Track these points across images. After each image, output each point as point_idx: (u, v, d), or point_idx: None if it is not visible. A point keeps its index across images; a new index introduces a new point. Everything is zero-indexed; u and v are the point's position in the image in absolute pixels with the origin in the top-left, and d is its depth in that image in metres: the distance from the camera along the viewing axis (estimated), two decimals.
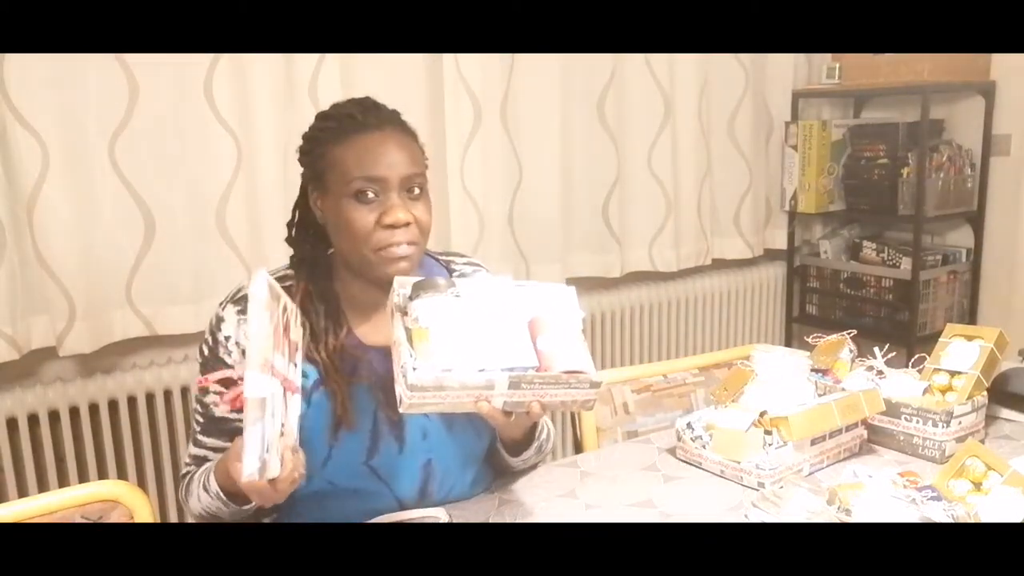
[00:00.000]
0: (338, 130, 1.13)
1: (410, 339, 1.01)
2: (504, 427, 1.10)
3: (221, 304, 1.18)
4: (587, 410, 1.04)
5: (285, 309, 0.99)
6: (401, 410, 0.98)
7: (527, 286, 1.10)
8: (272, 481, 0.91)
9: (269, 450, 0.87)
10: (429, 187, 1.19)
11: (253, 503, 1.07)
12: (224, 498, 1.08)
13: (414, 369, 0.96)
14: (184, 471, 1.21)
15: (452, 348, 0.99)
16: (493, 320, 1.04)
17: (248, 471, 0.86)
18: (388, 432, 1.17)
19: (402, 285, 1.07)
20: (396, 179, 1.11)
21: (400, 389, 0.97)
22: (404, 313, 1.05)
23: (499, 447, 1.24)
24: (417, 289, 1.06)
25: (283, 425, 0.93)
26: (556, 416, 2.71)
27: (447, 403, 0.98)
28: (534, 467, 1.31)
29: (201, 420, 1.19)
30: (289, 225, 1.24)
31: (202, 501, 1.12)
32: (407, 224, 1.12)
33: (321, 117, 1.18)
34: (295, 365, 1.01)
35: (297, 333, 1.04)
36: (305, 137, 1.18)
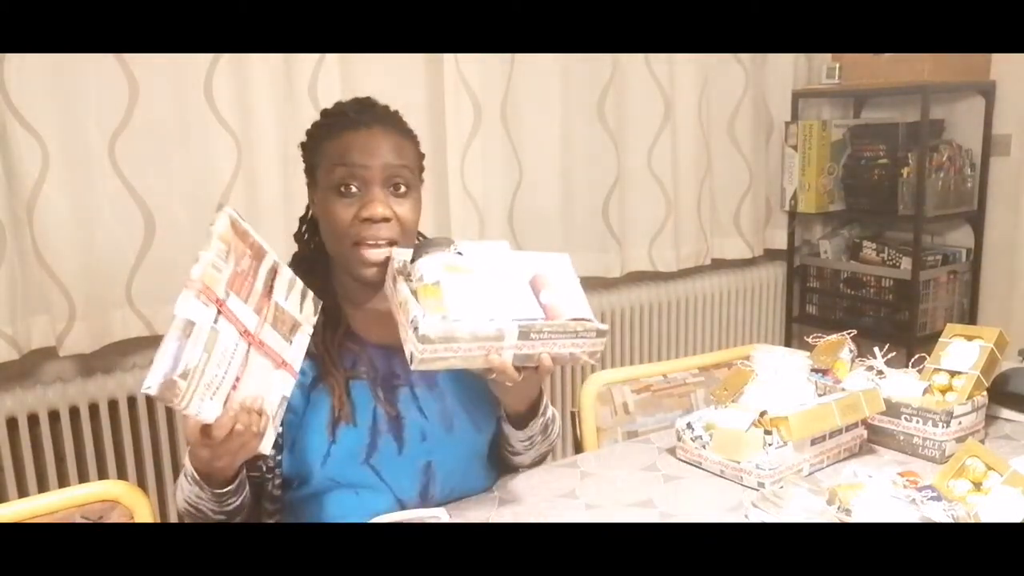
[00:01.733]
0: (330, 126, 1.16)
1: (417, 298, 1.01)
2: (511, 392, 1.10)
3: None
4: (594, 361, 1.06)
5: (276, 273, 0.98)
6: (413, 367, 0.97)
7: (518, 254, 1.12)
8: (206, 429, 0.89)
9: (189, 379, 0.83)
10: (426, 188, 1.20)
11: (228, 489, 1.05)
12: (198, 480, 1.05)
13: (425, 321, 0.96)
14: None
15: (460, 301, 1.00)
16: (497, 276, 1.05)
17: (147, 383, 0.81)
18: (387, 431, 1.16)
19: (400, 253, 1.08)
20: (378, 172, 1.12)
21: (410, 347, 0.97)
22: (407, 277, 1.05)
23: (504, 425, 1.22)
24: (419, 249, 1.07)
25: (237, 379, 0.90)
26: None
27: (459, 356, 0.98)
28: (539, 462, 1.31)
29: None
30: (301, 220, 1.25)
31: (184, 490, 1.10)
32: (386, 219, 1.12)
33: (321, 114, 1.20)
34: (290, 343, 0.99)
35: (298, 308, 1.01)
36: (306, 133, 1.21)
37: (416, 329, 0.95)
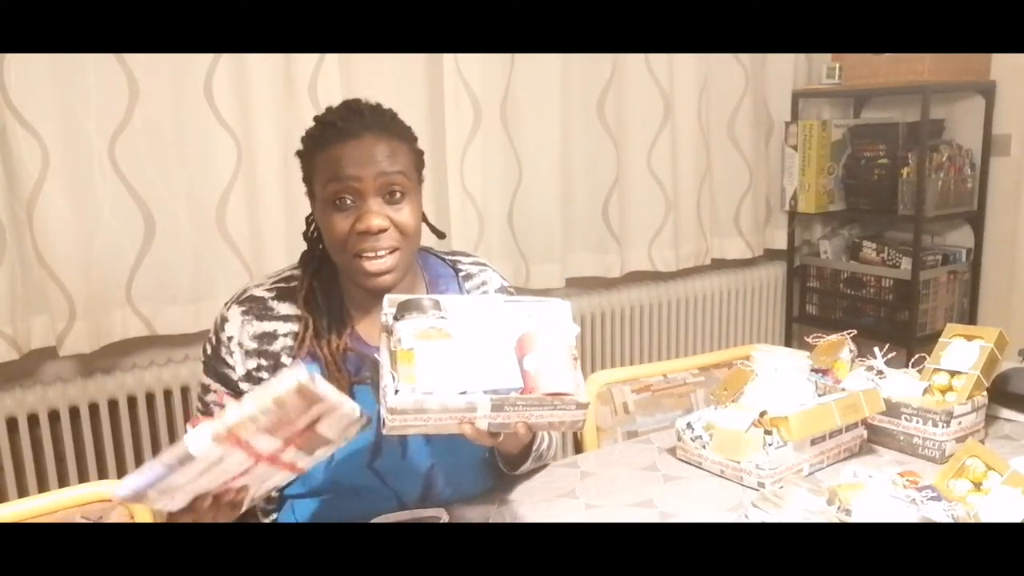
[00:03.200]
0: (320, 138, 1.13)
1: (394, 361, 1.00)
2: (496, 445, 1.09)
3: (226, 304, 1.18)
4: (576, 430, 1.04)
5: (330, 414, 0.91)
6: (384, 432, 0.96)
7: (520, 302, 1.09)
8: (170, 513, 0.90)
9: (163, 493, 0.85)
10: (426, 189, 1.18)
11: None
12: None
13: (396, 392, 0.96)
14: None
15: (434, 370, 0.98)
16: (479, 340, 1.02)
17: (119, 492, 0.83)
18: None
19: (391, 304, 1.06)
20: (371, 183, 1.10)
21: (383, 411, 0.97)
22: (390, 334, 1.03)
23: (497, 460, 1.24)
24: (402, 310, 1.04)
25: (225, 482, 0.89)
26: None
27: (430, 425, 0.96)
28: (537, 470, 1.31)
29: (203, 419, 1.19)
30: (308, 220, 1.24)
31: None
32: (383, 230, 1.10)
33: (314, 121, 1.18)
34: (310, 455, 0.95)
35: (338, 432, 0.95)
36: (301, 141, 1.19)
37: (386, 399, 0.95)
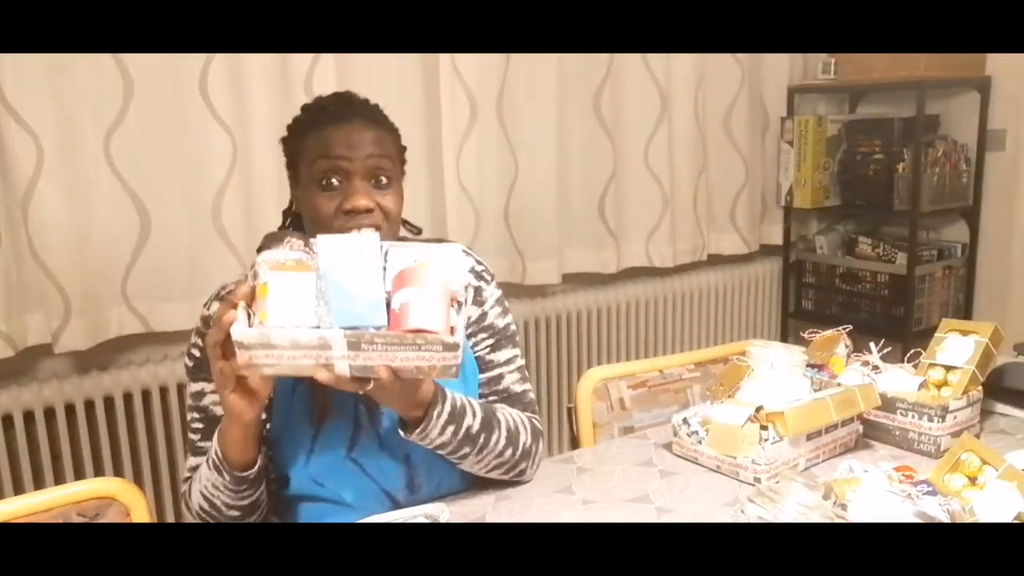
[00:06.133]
0: (309, 122, 1.16)
1: (253, 297, 0.94)
2: (383, 397, 1.03)
3: (206, 304, 1.18)
4: (450, 377, 0.95)
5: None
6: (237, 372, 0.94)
7: (408, 246, 1.04)
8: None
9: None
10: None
11: (247, 474, 1.06)
12: (218, 462, 1.06)
13: (238, 326, 0.91)
14: (185, 477, 1.20)
15: (287, 304, 0.92)
16: (346, 276, 0.95)
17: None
18: (368, 425, 1.16)
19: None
20: (359, 165, 1.12)
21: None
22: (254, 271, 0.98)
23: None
24: (267, 240, 0.99)
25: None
26: (552, 413, 2.71)
27: (284, 364, 0.92)
28: (515, 471, 1.21)
29: (200, 426, 1.17)
30: (284, 214, 1.25)
31: (200, 481, 1.11)
32: (368, 210, 1.11)
33: (301, 109, 1.20)
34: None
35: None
36: (287, 128, 1.20)
37: (232, 331, 0.91)
